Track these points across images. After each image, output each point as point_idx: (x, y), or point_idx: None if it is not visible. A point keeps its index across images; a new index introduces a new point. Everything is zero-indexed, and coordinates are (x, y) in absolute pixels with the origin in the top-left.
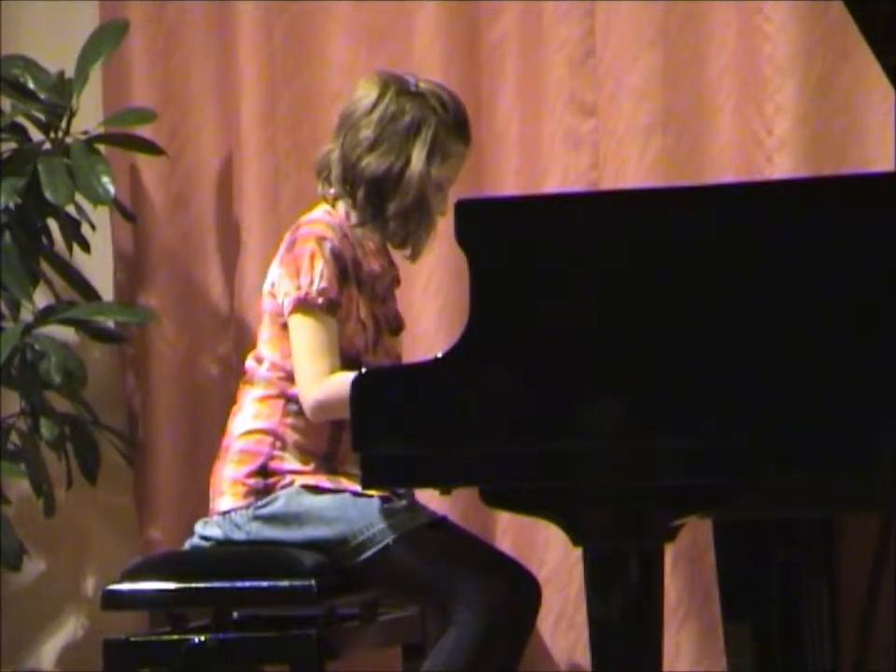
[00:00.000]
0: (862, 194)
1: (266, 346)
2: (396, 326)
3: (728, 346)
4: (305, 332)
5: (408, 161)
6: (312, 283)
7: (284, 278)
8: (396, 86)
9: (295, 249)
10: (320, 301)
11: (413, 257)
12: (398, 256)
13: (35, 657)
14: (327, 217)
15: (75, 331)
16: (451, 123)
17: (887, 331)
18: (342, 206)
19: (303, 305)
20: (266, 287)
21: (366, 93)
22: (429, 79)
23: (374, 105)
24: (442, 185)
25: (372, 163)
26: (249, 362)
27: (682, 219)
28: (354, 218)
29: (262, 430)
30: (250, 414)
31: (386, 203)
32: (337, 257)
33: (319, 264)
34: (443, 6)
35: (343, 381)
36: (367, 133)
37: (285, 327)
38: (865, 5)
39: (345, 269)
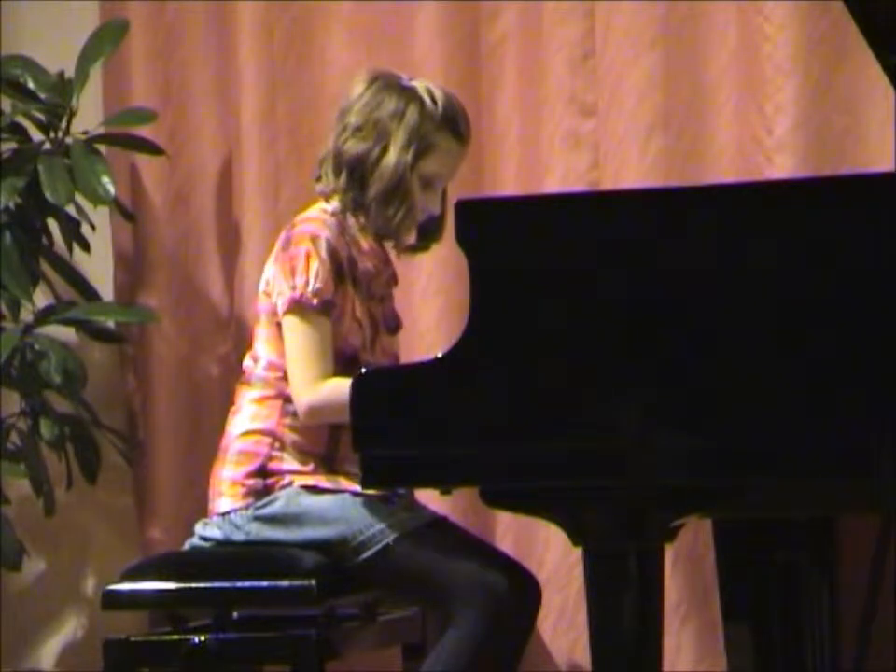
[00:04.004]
0: (862, 194)
1: (263, 345)
2: (394, 325)
3: (728, 347)
4: (299, 334)
5: (387, 147)
6: (307, 284)
7: (278, 277)
8: (385, 79)
9: (290, 248)
10: (315, 301)
11: (397, 247)
12: (395, 255)
13: (35, 657)
14: (322, 214)
15: (75, 331)
16: (438, 117)
17: (887, 332)
18: (336, 203)
19: (298, 306)
20: (261, 286)
21: (356, 87)
22: (426, 80)
23: (361, 95)
24: (431, 180)
25: (352, 146)
26: (246, 362)
27: (682, 219)
28: (339, 205)
29: (260, 431)
30: (248, 415)
31: (367, 188)
32: (332, 254)
33: (315, 264)
34: (443, 6)
35: (338, 387)
36: (351, 119)
37: (281, 326)
38: (865, 5)
39: (341, 267)
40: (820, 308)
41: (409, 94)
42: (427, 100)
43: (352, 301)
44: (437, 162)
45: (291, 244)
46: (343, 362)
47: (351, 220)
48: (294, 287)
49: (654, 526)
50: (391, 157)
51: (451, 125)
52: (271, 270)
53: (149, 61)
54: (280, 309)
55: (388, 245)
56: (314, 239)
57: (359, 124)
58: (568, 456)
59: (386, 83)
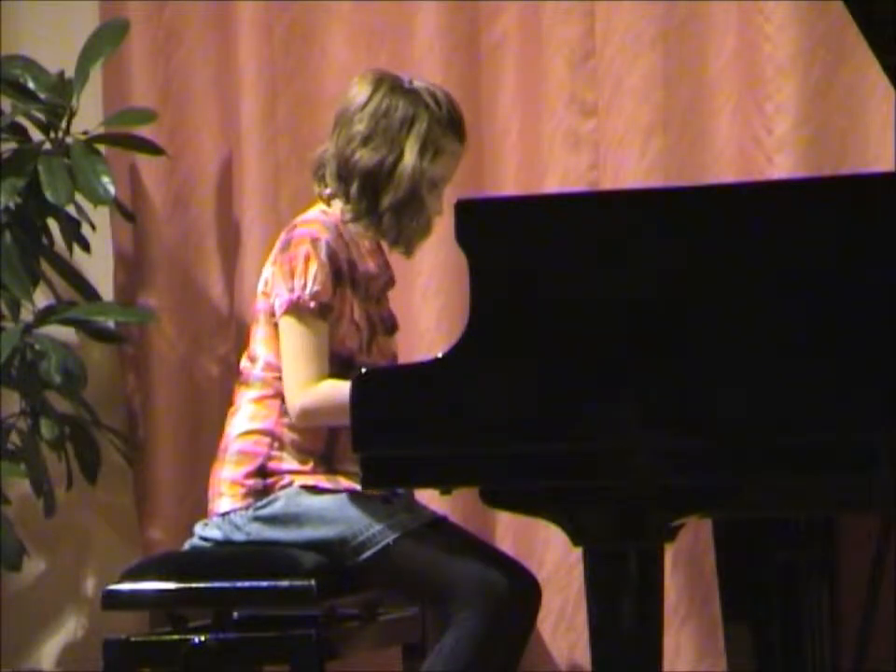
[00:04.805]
0: (862, 194)
1: (261, 345)
2: (390, 326)
3: (728, 346)
4: (295, 337)
5: (401, 155)
6: (305, 286)
7: (277, 279)
8: (389, 82)
9: (290, 250)
10: (312, 304)
11: (407, 253)
12: (394, 257)
13: (35, 657)
14: (322, 216)
15: (75, 331)
16: (444, 120)
17: (887, 332)
18: (337, 205)
19: (295, 308)
20: (260, 286)
21: (359, 90)
22: (423, 79)
23: (368, 101)
24: (437, 183)
25: (365, 156)
26: (244, 362)
27: (682, 219)
28: (348, 214)
29: (259, 431)
30: (247, 415)
31: (380, 197)
32: (332, 257)
33: (313, 267)
34: (443, 6)
35: (332, 390)
36: (360, 127)
37: (278, 327)
38: (865, 5)
39: (340, 269)
40: (821, 307)
41: (416, 99)
42: (433, 104)
43: (350, 303)
44: (444, 166)
45: (291, 245)
46: (338, 364)
47: (356, 226)
48: (292, 289)
49: (654, 526)
50: (406, 166)
51: (454, 127)
52: (269, 270)
53: (149, 61)
54: (277, 310)
55: (385, 244)
56: (313, 241)
57: (369, 133)
58: (568, 456)
59: (392, 88)
